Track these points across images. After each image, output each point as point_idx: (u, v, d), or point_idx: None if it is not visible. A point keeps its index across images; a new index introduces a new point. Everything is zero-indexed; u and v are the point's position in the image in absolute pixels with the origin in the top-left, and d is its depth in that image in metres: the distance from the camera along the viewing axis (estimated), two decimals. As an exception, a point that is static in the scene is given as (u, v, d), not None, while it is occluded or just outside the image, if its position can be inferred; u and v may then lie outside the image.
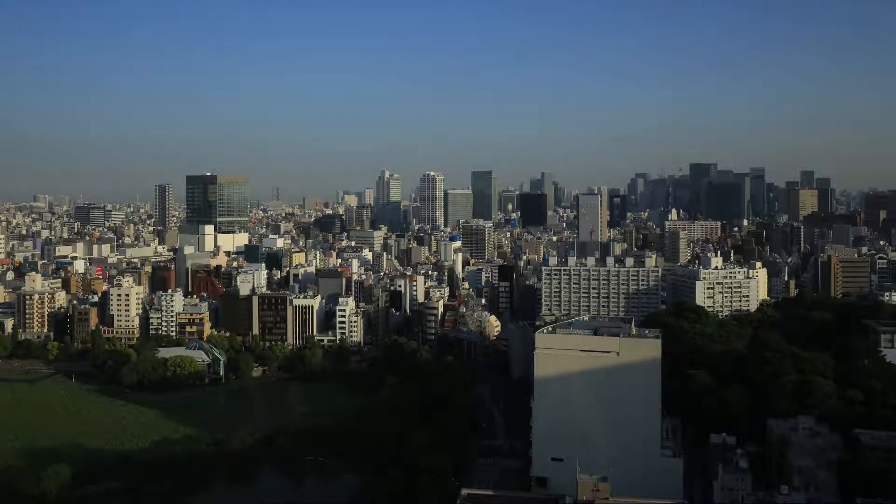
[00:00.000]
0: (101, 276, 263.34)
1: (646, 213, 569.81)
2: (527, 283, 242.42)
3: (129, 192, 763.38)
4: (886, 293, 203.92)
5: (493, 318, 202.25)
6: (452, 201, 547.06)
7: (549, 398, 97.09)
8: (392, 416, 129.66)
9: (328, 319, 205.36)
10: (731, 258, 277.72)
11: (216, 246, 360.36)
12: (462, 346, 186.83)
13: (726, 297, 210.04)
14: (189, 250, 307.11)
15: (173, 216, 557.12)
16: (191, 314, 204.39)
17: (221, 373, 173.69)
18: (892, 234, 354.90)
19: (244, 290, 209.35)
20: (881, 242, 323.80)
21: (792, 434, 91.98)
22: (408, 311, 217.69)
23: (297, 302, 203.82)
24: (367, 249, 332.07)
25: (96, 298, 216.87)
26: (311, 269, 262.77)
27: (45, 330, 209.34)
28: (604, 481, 73.01)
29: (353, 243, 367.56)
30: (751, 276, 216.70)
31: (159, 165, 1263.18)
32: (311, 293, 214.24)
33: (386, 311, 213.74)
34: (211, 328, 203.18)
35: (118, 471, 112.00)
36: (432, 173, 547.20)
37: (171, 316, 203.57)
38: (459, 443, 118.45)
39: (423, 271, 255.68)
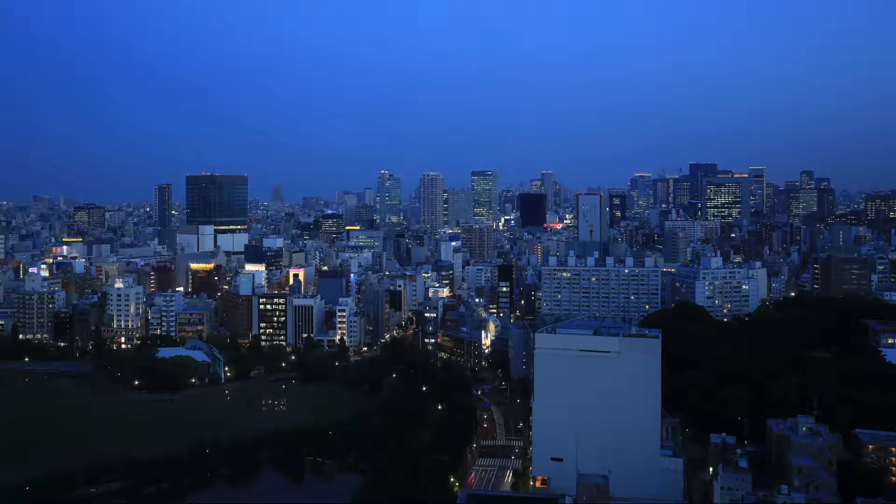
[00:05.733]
0: (101, 276, 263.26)
1: (646, 214, 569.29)
2: (527, 283, 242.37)
3: (129, 192, 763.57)
4: (886, 293, 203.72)
5: (493, 318, 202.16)
6: (452, 201, 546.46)
7: (549, 398, 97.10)
8: (392, 416, 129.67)
9: (328, 319, 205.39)
10: (731, 258, 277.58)
11: (216, 246, 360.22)
12: (462, 346, 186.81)
13: (726, 297, 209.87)
14: (189, 250, 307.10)
15: (173, 216, 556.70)
16: (191, 314, 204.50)
17: (221, 372, 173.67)
18: (893, 234, 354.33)
19: (244, 290, 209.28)
20: (881, 242, 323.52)
21: (792, 434, 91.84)
22: (408, 311, 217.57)
23: (297, 302, 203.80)
24: (367, 249, 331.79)
25: (96, 298, 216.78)
26: (311, 269, 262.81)
27: (45, 330, 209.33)
28: (604, 481, 73.29)
29: (353, 243, 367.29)
30: (751, 276, 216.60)
31: (159, 165, 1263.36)
32: (311, 293, 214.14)
33: (386, 311, 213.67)
34: (211, 328, 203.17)
35: (118, 471, 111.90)
36: (432, 173, 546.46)
37: (171, 316, 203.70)
38: (459, 443, 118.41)
39: (423, 271, 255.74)
